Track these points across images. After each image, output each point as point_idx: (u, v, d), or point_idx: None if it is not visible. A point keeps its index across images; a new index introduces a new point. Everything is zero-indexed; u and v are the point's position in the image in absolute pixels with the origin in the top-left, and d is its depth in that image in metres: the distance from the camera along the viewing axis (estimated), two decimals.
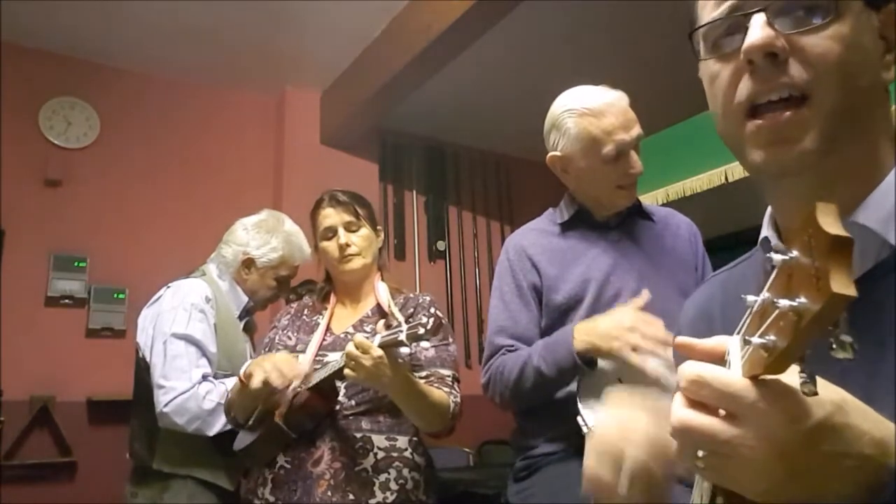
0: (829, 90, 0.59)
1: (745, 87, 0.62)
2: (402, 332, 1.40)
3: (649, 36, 3.47)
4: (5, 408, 2.94)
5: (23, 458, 3.24)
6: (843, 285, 0.38)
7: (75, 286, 3.48)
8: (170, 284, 2.03)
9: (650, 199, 3.01)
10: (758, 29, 0.59)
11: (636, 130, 1.47)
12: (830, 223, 0.40)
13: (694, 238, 1.61)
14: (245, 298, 2.09)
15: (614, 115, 1.45)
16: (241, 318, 2.09)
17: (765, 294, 0.45)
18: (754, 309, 0.47)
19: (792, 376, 0.44)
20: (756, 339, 0.44)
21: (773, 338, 0.43)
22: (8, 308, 3.24)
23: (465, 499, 3.02)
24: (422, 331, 1.38)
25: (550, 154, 1.53)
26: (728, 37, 0.63)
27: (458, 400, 1.62)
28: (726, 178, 2.82)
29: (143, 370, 1.94)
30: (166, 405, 1.80)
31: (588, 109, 1.45)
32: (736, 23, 0.62)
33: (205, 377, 1.86)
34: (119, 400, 3.18)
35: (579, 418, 1.34)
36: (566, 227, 1.57)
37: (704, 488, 0.53)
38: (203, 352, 1.89)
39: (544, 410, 1.47)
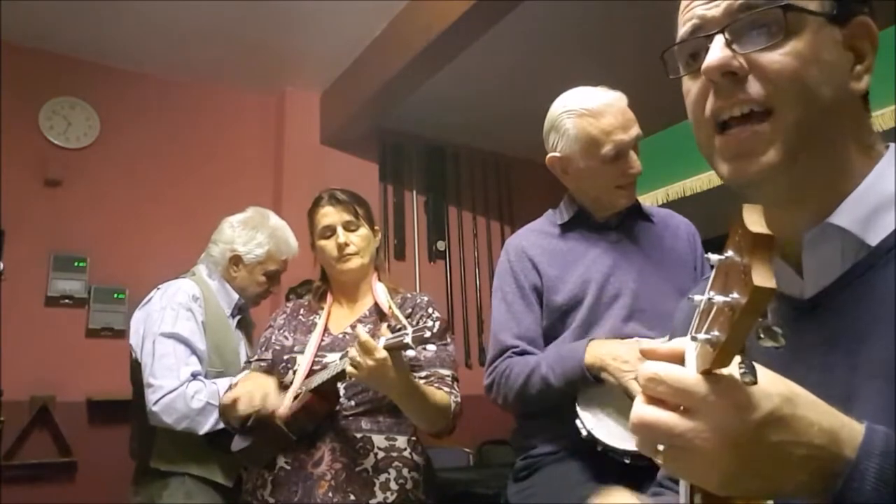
0: (789, 104, 0.62)
1: (710, 103, 0.66)
2: (407, 334, 1.38)
3: (649, 36, 3.46)
4: (5, 408, 2.93)
5: (23, 458, 3.24)
6: (763, 279, 0.40)
7: (75, 286, 3.48)
8: (159, 286, 2.05)
9: (650, 199, 3.01)
10: (717, 50, 0.63)
11: (635, 130, 1.47)
12: (754, 222, 0.43)
13: (693, 238, 1.62)
14: (235, 296, 2.10)
15: (613, 115, 1.45)
16: (233, 315, 2.10)
17: (708, 293, 0.47)
18: (700, 308, 0.50)
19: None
20: (702, 336, 0.47)
21: (716, 333, 0.45)
22: (8, 308, 3.23)
23: (465, 499, 3.02)
24: (428, 334, 1.37)
25: (550, 155, 1.53)
26: (695, 55, 0.67)
27: (459, 399, 1.61)
28: None
29: (137, 371, 1.96)
30: (155, 404, 1.81)
31: (587, 110, 1.46)
32: (699, 43, 0.66)
33: (195, 375, 1.87)
34: (119, 400, 3.18)
35: (577, 421, 1.35)
36: (566, 228, 1.58)
37: (684, 487, 0.54)
38: (192, 349, 1.90)
39: (544, 411, 1.47)
